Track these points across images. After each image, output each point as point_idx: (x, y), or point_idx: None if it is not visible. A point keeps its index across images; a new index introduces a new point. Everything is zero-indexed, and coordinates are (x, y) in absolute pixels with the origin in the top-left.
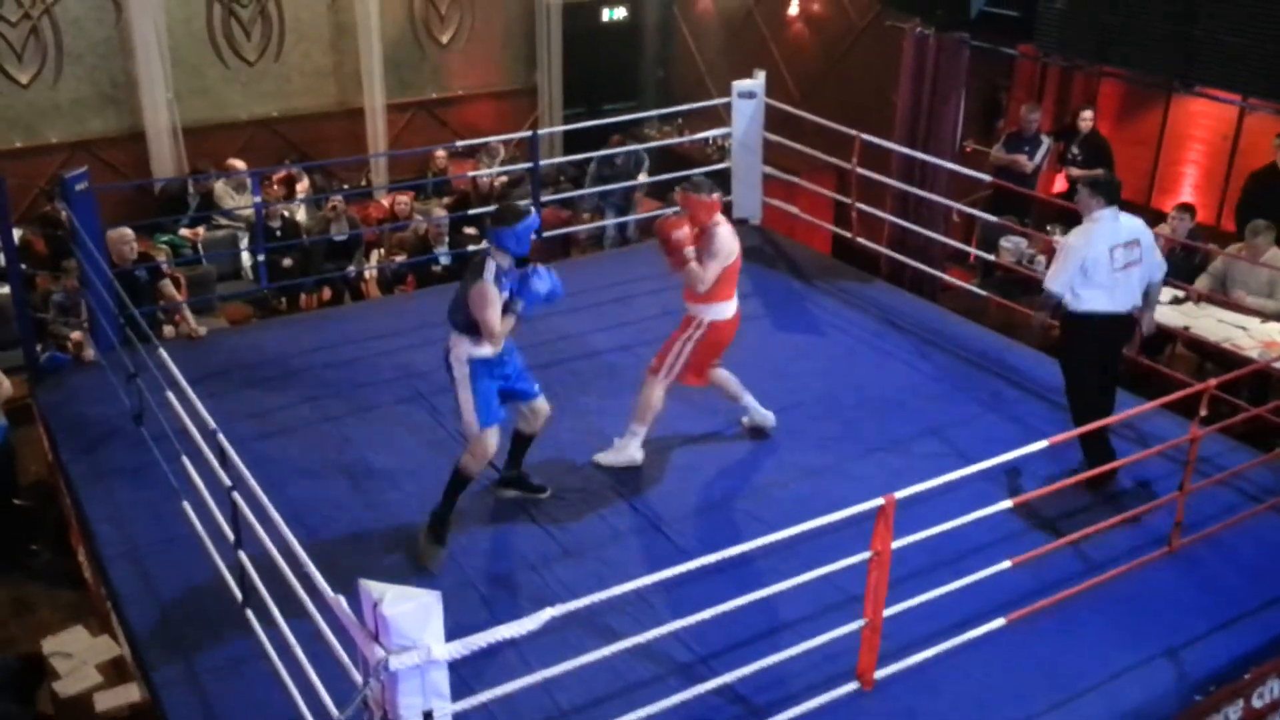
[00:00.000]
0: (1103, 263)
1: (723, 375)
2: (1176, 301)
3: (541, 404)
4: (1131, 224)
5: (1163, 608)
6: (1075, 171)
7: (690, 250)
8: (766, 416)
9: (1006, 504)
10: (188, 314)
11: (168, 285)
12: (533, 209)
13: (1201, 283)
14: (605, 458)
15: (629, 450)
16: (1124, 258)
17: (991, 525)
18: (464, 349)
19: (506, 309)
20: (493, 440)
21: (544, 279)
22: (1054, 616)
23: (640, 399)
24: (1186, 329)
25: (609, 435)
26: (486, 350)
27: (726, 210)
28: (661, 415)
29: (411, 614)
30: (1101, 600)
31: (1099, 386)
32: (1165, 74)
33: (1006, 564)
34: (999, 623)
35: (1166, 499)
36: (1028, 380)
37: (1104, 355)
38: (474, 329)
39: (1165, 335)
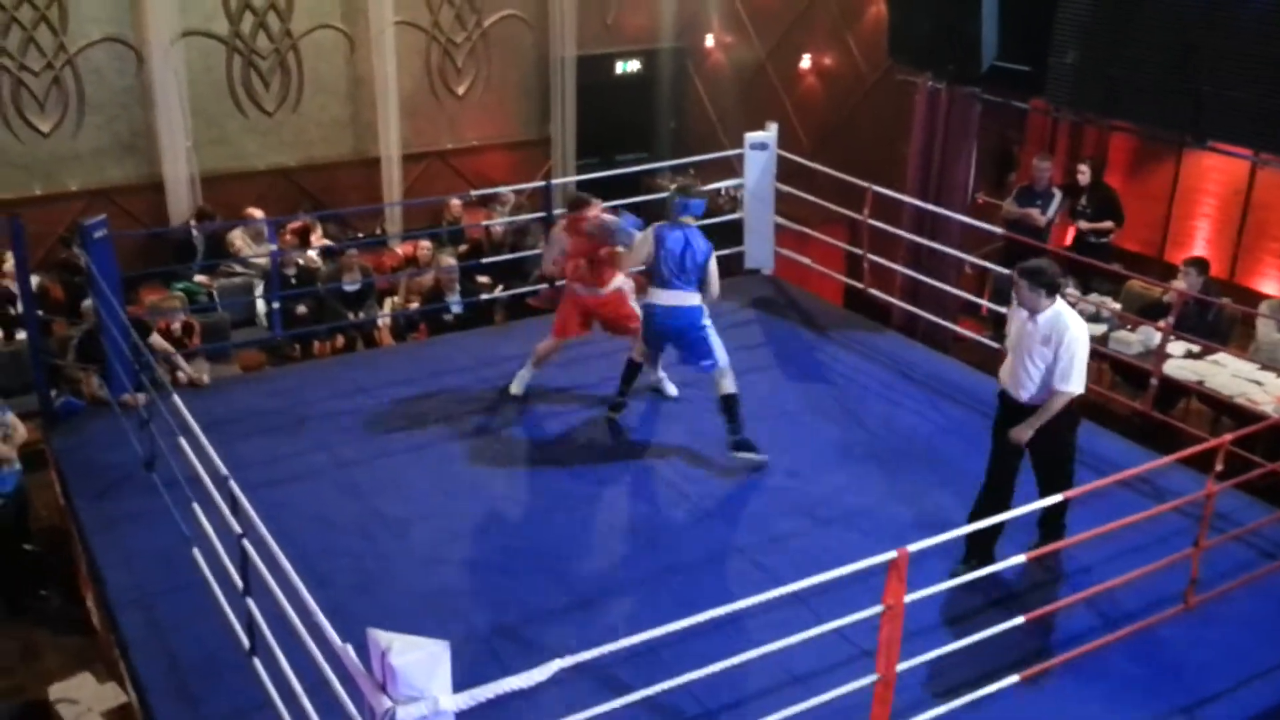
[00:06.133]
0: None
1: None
2: (1191, 356)
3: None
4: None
5: (1178, 665)
6: (1085, 225)
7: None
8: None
9: (1020, 559)
10: (181, 362)
11: (158, 340)
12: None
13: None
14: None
15: (521, 379)
16: None
17: (1005, 580)
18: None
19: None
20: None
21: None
22: (1068, 674)
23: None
24: (1200, 383)
25: (617, 487)
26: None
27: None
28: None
29: (419, 664)
30: (1116, 657)
31: None
32: (1176, 129)
33: (1020, 619)
34: (1013, 679)
35: (1182, 555)
36: None
37: None
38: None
39: (1180, 389)
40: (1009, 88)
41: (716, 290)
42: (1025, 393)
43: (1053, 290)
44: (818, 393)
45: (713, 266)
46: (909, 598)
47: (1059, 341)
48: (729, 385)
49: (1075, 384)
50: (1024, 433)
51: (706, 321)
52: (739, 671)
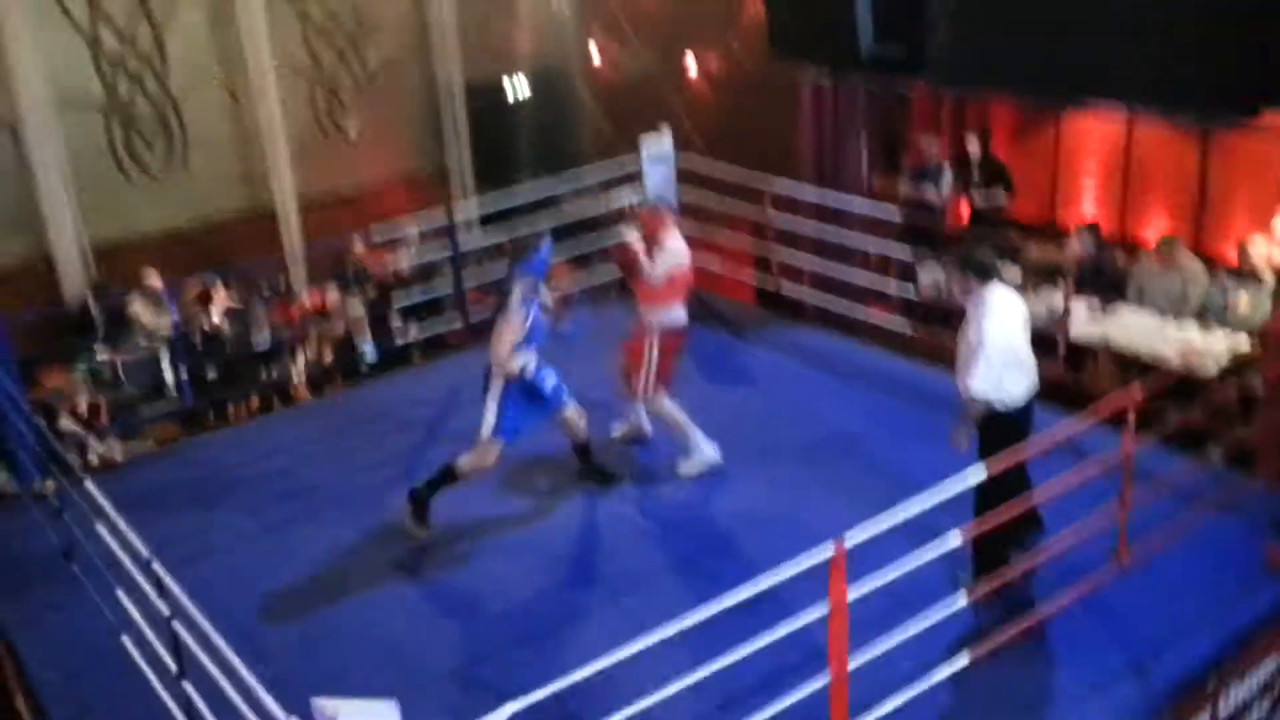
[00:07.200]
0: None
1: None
2: (1093, 315)
3: (569, 414)
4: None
5: (1121, 622)
6: (978, 198)
7: (642, 259)
8: (645, 426)
9: (955, 538)
10: (93, 443)
11: (67, 421)
12: (542, 237)
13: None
14: (684, 468)
15: (702, 455)
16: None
17: (945, 560)
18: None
19: (530, 337)
20: (494, 453)
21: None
22: (1017, 646)
23: (666, 424)
24: (1106, 342)
25: (550, 512)
26: (514, 368)
27: None
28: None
29: None
30: (1061, 624)
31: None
32: (1053, 95)
33: (963, 601)
34: (964, 660)
35: (1110, 514)
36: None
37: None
38: None
39: (1086, 348)
40: (889, 72)
41: (492, 352)
42: (959, 384)
43: (982, 275)
44: (742, 395)
45: (500, 327)
46: (853, 594)
47: (971, 329)
48: (469, 459)
49: (972, 377)
50: (956, 437)
51: (495, 387)
52: (695, 687)
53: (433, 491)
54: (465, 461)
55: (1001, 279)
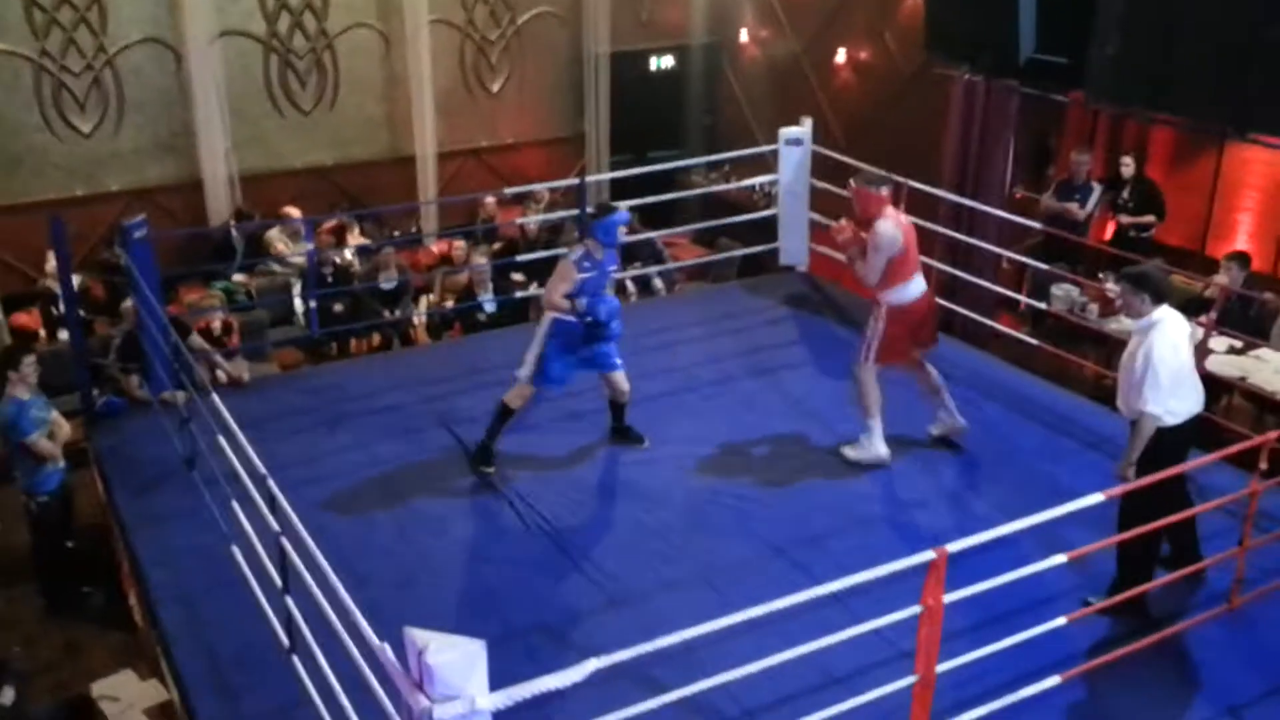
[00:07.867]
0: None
1: (929, 372)
2: (1234, 351)
3: (616, 377)
4: None
5: (1222, 666)
6: (1126, 219)
7: (854, 250)
8: (957, 421)
9: (1061, 558)
10: (221, 361)
11: (197, 339)
12: (621, 207)
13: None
14: (851, 452)
15: (874, 447)
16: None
17: (1047, 580)
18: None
19: (580, 292)
20: (528, 393)
21: (608, 304)
22: (1110, 675)
23: (858, 394)
24: (1243, 379)
25: (652, 485)
26: (564, 306)
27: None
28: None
29: (456, 663)
30: (1160, 658)
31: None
32: (1218, 121)
33: (1062, 620)
34: (1054, 681)
35: (1226, 555)
36: (1081, 430)
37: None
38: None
39: (1222, 386)
40: (1048, 80)
41: (545, 298)
42: (1122, 407)
43: (1157, 297)
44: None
45: (555, 274)
46: (948, 598)
47: (1140, 351)
48: (510, 395)
49: (1146, 401)
50: (1123, 468)
51: (539, 331)
52: (777, 672)
53: (492, 435)
54: (508, 398)
55: (1171, 301)
